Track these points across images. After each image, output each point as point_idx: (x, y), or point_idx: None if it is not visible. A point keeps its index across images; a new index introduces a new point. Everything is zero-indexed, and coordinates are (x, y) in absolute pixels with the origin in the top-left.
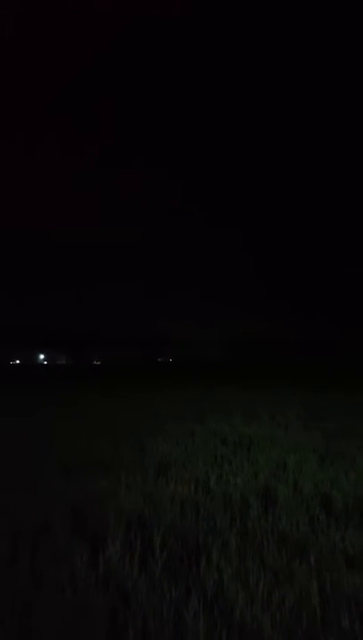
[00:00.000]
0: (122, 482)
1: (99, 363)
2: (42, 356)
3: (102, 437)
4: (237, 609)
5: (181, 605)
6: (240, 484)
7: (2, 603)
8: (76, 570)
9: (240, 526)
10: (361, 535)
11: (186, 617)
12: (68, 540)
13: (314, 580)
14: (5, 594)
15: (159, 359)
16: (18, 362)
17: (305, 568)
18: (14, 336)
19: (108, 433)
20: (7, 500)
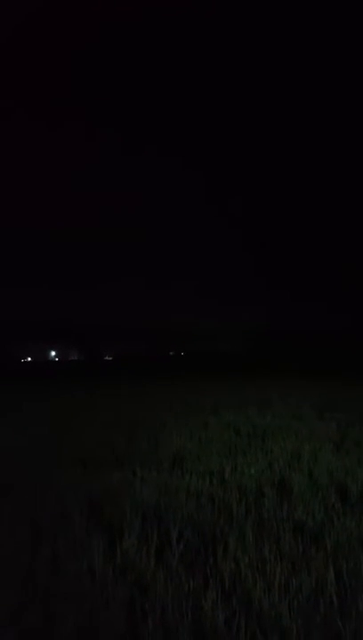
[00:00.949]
0: (137, 474)
1: (110, 358)
2: (53, 353)
3: (116, 431)
4: (255, 597)
5: (200, 595)
6: (255, 475)
7: (24, 592)
8: (94, 561)
9: (256, 516)
10: None
11: (204, 606)
12: (85, 532)
13: (330, 567)
14: (26, 584)
15: (171, 353)
16: (29, 359)
17: (322, 556)
18: (25, 332)
19: (122, 426)
20: (25, 493)
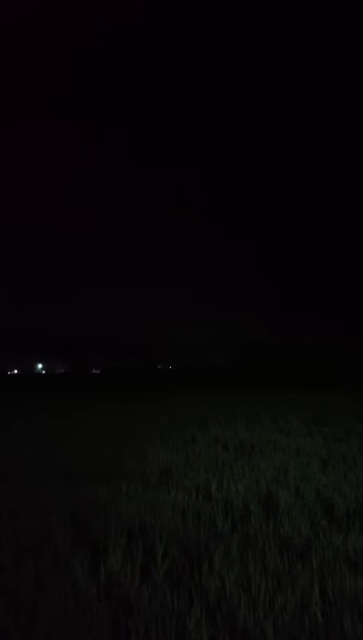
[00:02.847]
0: (123, 490)
1: (98, 371)
2: (40, 366)
3: (103, 445)
4: (239, 615)
5: (184, 614)
6: (242, 491)
7: (6, 611)
8: (78, 579)
9: (242, 533)
10: None
11: (189, 625)
12: (69, 549)
13: (316, 584)
14: (9, 602)
15: (159, 366)
16: (16, 371)
17: (307, 573)
18: (11, 345)
19: (109, 441)
20: (11, 506)
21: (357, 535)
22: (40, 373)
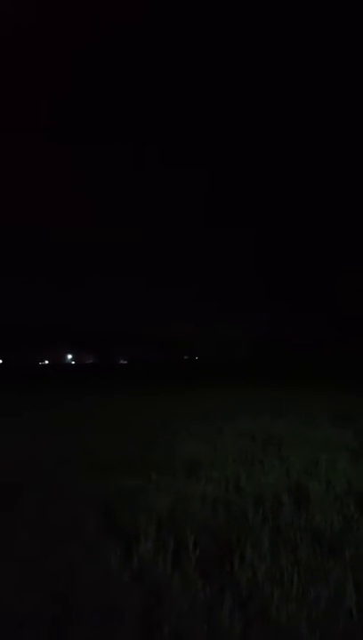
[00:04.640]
0: (153, 481)
1: (125, 362)
2: (70, 357)
3: (132, 437)
4: (272, 607)
5: (216, 604)
6: (272, 482)
7: (40, 596)
8: (111, 567)
9: (273, 524)
10: None
11: (221, 615)
12: (101, 538)
13: (350, 577)
14: (43, 588)
15: (185, 357)
16: (47, 362)
17: (340, 565)
18: (42, 337)
19: (137, 433)
20: (41, 496)
21: None
22: (70, 364)
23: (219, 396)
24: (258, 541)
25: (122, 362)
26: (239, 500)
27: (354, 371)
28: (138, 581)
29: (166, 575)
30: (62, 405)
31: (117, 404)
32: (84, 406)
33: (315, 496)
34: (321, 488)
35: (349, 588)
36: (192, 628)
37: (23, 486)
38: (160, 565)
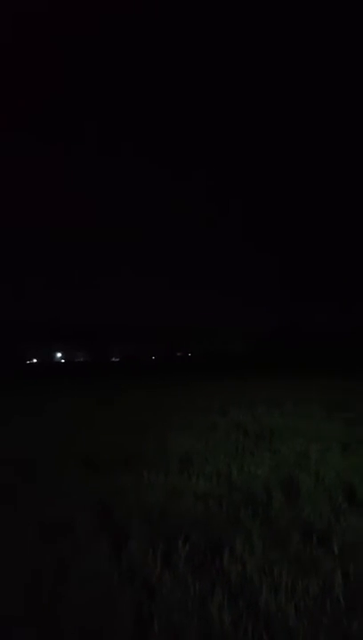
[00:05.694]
0: (144, 476)
1: (117, 359)
2: (59, 355)
3: (124, 432)
4: (261, 600)
5: (207, 598)
6: (262, 476)
7: (30, 593)
8: (101, 562)
9: (263, 517)
10: None
11: (211, 609)
12: (92, 534)
13: (338, 568)
14: (34, 583)
15: (178, 353)
16: (35, 360)
17: (329, 557)
18: (29, 334)
19: (130, 428)
20: (32, 491)
21: None
22: (59, 362)
23: (213, 390)
24: (248, 535)
25: (114, 359)
26: (230, 493)
27: (355, 362)
28: (129, 577)
29: (156, 570)
30: (56, 401)
31: (109, 404)
32: (68, 407)
33: (305, 488)
34: (311, 480)
35: (337, 577)
36: (183, 621)
37: (17, 486)
38: (150, 561)
